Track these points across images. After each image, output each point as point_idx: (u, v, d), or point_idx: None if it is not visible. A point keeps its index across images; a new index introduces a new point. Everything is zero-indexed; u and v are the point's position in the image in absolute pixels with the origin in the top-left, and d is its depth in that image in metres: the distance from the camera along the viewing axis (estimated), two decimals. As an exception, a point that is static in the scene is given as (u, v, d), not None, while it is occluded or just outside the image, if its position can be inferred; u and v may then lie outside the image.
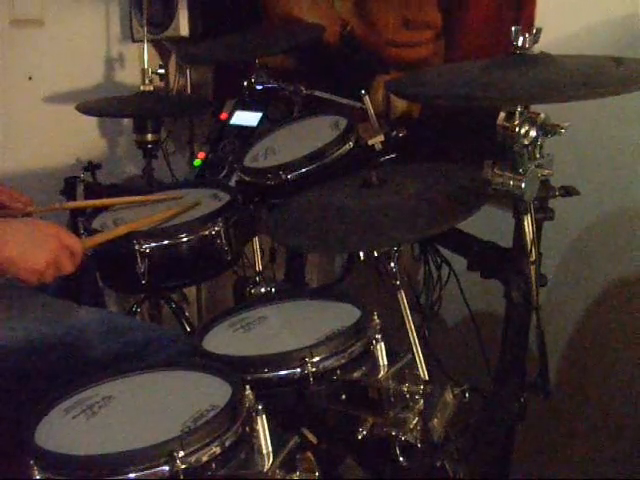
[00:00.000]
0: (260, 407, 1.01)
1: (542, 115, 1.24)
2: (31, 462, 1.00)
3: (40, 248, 1.28)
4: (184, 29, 2.55)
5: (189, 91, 2.71)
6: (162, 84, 2.65)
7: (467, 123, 1.87)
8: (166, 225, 1.57)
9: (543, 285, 1.43)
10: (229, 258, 1.59)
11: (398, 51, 2.11)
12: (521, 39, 1.29)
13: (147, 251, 1.51)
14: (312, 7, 2.32)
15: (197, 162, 2.10)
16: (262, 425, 1.01)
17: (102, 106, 2.34)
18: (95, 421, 1.10)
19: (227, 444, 1.02)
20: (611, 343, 1.78)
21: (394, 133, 1.68)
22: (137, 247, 1.50)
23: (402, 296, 1.37)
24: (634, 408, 1.75)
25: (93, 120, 2.65)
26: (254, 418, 1.01)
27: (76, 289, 1.71)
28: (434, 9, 2.01)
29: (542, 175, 1.27)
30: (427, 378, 1.32)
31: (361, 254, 1.35)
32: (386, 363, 1.21)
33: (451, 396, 1.23)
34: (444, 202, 1.31)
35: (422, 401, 1.20)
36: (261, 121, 2.06)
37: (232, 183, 1.87)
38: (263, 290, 1.69)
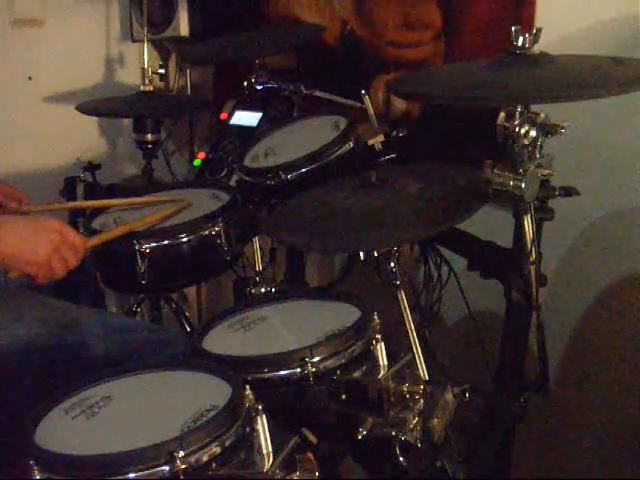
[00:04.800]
0: (260, 407, 1.01)
1: (542, 115, 1.24)
2: (31, 462, 1.00)
3: (39, 240, 1.28)
4: (184, 29, 2.55)
5: (189, 91, 2.71)
6: (162, 84, 2.65)
7: (467, 123, 1.87)
8: (166, 225, 1.57)
9: (543, 285, 1.43)
10: (229, 258, 1.59)
11: (398, 51, 2.11)
12: (521, 39, 1.29)
13: (147, 251, 1.51)
14: (312, 7, 2.32)
15: (197, 162, 2.10)
16: (262, 425, 1.01)
17: (102, 106, 2.34)
18: (95, 421, 1.10)
19: (227, 444, 1.02)
20: (611, 343, 1.78)
21: (394, 133, 1.68)
22: (137, 247, 1.50)
23: (402, 296, 1.37)
24: (634, 408, 1.75)
25: (93, 120, 2.65)
26: (254, 418, 1.01)
27: (76, 289, 1.71)
28: (434, 9, 2.01)
29: (542, 175, 1.27)
30: (427, 378, 1.32)
31: (361, 254, 1.35)
32: (386, 363, 1.21)
33: (451, 396, 1.23)
34: (444, 202, 1.31)
35: (422, 401, 1.20)
36: (261, 121, 2.06)
37: (232, 183, 1.87)
38: (263, 290, 1.69)
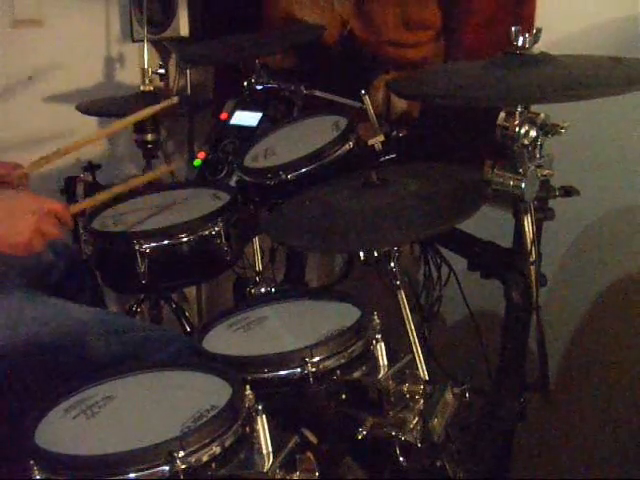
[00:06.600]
0: (260, 407, 1.01)
1: (542, 115, 1.24)
2: (31, 462, 1.00)
3: (20, 221, 1.29)
4: (184, 29, 2.55)
5: (189, 91, 2.71)
6: (162, 84, 2.65)
7: (467, 123, 1.87)
8: (166, 225, 1.57)
9: (543, 285, 1.43)
10: (229, 258, 1.59)
11: (398, 51, 2.11)
12: (521, 39, 1.29)
13: (147, 251, 1.51)
14: (312, 7, 2.32)
15: (197, 162, 2.10)
16: (262, 425, 1.01)
17: (102, 106, 2.34)
18: (95, 421, 1.10)
19: (227, 444, 1.02)
20: (611, 343, 1.78)
21: (394, 133, 1.68)
22: (137, 247, 1.50)
23: (402, 296, 1.37)
24: (634, 408, 1.75)
25: (93, 120, 2.65)
26: (254, 418, 1.01)
27: (76, 289, 1.71)
28: (434, 9, 2.00)
29: (542, 175, 1.27)
30: (427, 378, 1.32)
31: (361, 254, 1.35)
32: (386, 363, 1.21)
33: (451, 396, 1.23)
34: (444, 202, 1.31)
35: (422, 401, 1.20)
36: (261, 121, 2.06)
37: (232, 183, 1.87)
38: (263, 290, 1.69)
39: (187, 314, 2.17)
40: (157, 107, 1.63)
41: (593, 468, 1.83)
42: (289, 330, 1.37)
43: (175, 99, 1.66)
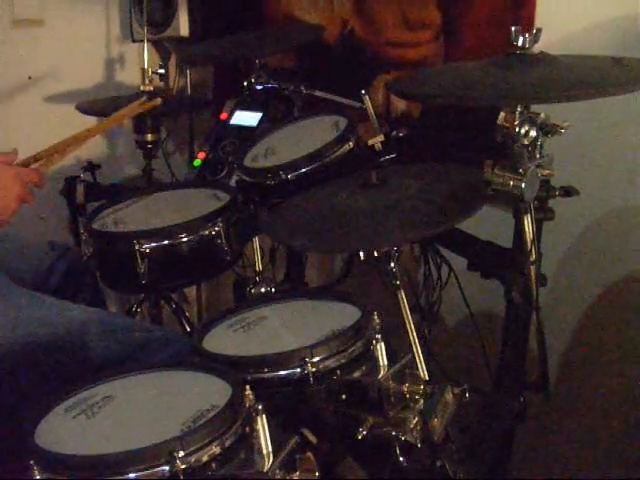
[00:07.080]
0: (260, 407, 1.01)
1: (542, 115, 1.24)
2: (31, 462, 1.00)
3: (8, 193, 1.35)
4: (184, 29, 2.55)
5: (189, 91, 2.71)
6: (162, 84, 2.65)
7: (467, 123, 1.87)
8: (166, 225, 1.57)
9: (543, 285, 1.43)
10: (229, 258, 1.59)
11: (398, 51, 2.11)
12: (521, 39, 1.29)
13: (147, 251, 1.51)
14: (312, 7, 2.32)
15: (197, 162, 2.10)
16: (262, 425, 1.01)
17: (102, 106, 2.34)
18: (95, 421, 1.10)
19: (227, 444, 1.02)
20: (611, 343, 1.78)
21: (394, 133, 1.68)
22: (137, 247, 1.50)
23: (402, 296, 1.37)
24: (634, 408, 1.75)
25: (93, 120, 2.65)
26: (254, 418, 1.01)
27: (76, 289, 1.71)
28: (434, 9, 2.01)
29: (542, 175, 1.27)
30: (427, 378, 1.32)
31: (361, 254, 1.35)
32: (386, 363, 1.21)
33: (451, 396, 1.23)
34: (444, 202, 1.30)
35: (422, 401, 1.20)
36: (261, 121, 2.06)
37: (232, 183, 1.87)
38: (263, 290, 1.69)
39: (187, 314, 2.17)
40: (137, 107, 1.62)
41: (593, 468, 1.83)
42: (289, 330, 1.37)
43: (158, 100, 1.65)
